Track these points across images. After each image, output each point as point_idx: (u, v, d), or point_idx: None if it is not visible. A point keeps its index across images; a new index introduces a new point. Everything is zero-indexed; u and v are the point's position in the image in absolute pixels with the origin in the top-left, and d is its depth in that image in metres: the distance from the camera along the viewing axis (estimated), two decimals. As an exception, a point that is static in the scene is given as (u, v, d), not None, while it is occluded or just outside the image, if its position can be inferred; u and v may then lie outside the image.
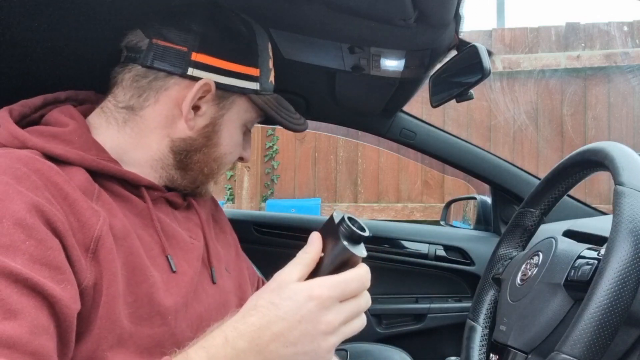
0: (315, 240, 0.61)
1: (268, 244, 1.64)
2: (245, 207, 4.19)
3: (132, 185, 0.76)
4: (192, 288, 0.75)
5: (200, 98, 0.78)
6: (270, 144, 4.34)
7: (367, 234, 0.58)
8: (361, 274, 0.59)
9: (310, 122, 1.61)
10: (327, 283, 0.57)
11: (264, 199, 4.30)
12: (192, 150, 0.80)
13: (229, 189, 4.39)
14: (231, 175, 4.35)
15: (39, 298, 0.55)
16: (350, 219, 0.58)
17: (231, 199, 4.34)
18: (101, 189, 0.70)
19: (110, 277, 0.63)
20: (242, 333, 0.56)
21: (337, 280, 0.58)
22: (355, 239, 0.58)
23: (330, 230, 0.59)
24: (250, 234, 1.66)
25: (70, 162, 0.69)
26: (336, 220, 0.58)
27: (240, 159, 0.89)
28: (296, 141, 4.28)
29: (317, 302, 0.56)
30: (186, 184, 0.83)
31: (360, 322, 0.60)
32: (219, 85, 0.78)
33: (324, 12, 0.84)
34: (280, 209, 4.01)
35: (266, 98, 0.85)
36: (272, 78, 0.87)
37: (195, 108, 0.79)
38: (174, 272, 0.72)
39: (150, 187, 0.77)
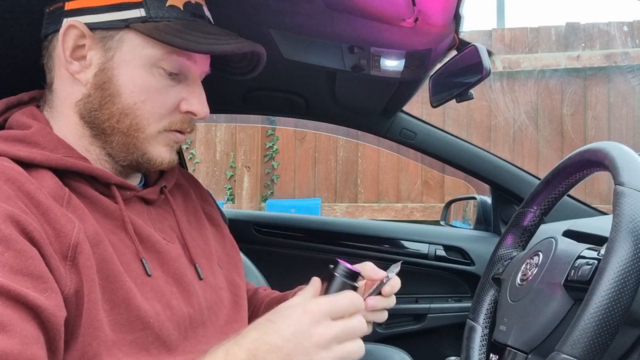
0: (315, 281, 0.68)
1: (268, 244, 1.63)
2: (245, 207, 4.19)
3: (102, 184, 0.72)
4: (170, 290, 0.73)
5: (81, 47, 0.72)
6: (270, 144, 4.34)
7: (359, 271, 0.69)
8: (352, 295, 0.64)
9: (310, 122, 1.62)
10: (320, 300, 0.63)
11: (264, 199, 4.30)
12: (94, 109, 0.72)
13: (229, 189, 4.39)
14: (231, 176, 4.36)
15: (24, 309, 0.55)
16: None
17: (231, 199, 4.34)
18: (71, 193, 0.68)
19: (90, 283, 0.63)
20: (241, 345, 0.59)
21: (329, 298, 0.63)
22: (350, 277, 0.68)
23: (328, 275, 0.68)
24: (250, 234, 1.66)
25: (35, 164, 0.67)
26: (332, 266, 0.68)
27: (191, 113, 0.77)
28: (296, 141, 4.28)
29: (309, 315, 0.60)
30: (120, 154, 0.75)
31: (356, 346, 0.63)
32: (93, 25, 0.71)
33: (324, 12, 0.84)
34: (280, 209, 4.01)
35: (163, 24, 0.71)
36: (174, 1, 0.73)
37: (81, 59, 0.72)
38: (149, 275, 0.71)
39: (122, 186, 0.74)
